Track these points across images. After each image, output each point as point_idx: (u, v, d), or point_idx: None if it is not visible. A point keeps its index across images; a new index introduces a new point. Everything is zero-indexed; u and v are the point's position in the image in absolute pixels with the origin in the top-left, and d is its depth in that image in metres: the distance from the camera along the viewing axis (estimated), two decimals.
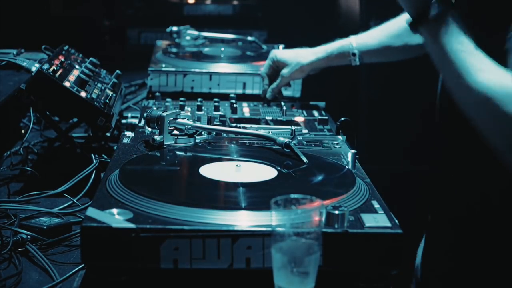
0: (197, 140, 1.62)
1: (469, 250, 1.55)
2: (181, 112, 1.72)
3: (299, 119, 1.90)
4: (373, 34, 2.06)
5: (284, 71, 2.06)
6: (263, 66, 2.16)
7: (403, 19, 2.09)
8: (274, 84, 2.09)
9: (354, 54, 2.02)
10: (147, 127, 1.69)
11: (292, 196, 1.08)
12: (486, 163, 1.66)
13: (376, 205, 1.26)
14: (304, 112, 1.99)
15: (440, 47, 1.34)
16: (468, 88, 1.29)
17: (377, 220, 1.19)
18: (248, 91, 2.21)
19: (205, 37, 2.81)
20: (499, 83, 1.26)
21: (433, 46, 1.36)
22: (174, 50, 2.61)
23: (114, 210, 1.18)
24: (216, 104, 1.97)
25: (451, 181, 1.63)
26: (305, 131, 1.78)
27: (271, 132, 1.71)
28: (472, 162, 1.64)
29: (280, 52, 2.12)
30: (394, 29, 2.02)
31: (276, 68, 2.11)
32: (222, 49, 2.62)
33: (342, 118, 1.76)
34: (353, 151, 1.51)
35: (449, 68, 1.34)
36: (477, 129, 1.32)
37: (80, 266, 1.31)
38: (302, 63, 2.05)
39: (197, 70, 2.22)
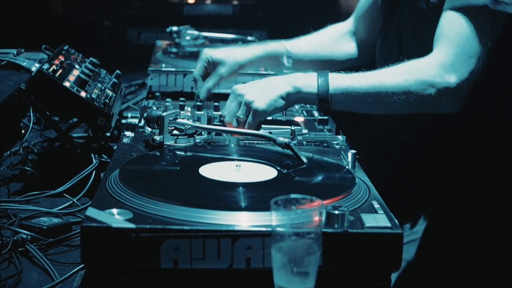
0: (197, 140, 1.62)
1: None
2: (181, 112, 1.72)
3: (299, 119, 1.89)
4: (303, 45, 2.13)
5: (222, 71, 2.00)
6: (196, 68, 2.07)
7: (333, 30, 2.21)
8: (211, 84, 2.00)
9: (288, 57, 2.08)
10: (147, 127, 1.69)
11: (292, 196, 1.07)
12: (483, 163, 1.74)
13: (376, 205, 1.26)
14: (304, 112, 1.98)
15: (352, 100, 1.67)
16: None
17: (377, 220, 1.18)
18: None
19: (205, 37, 2.81)
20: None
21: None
22: (174, 50, 2.61)
23: (114, 210, 1.18)
24: (216, 104, 1.97)
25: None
26: (305, 131, 1.78)
27: (271, 132, 1.71)
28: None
29: (214, 52, 2.05)
30: (322, 42, 2.13)
31: (210, 68, 2.04)
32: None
33: (342, 118, 1.76)
34: (353, 151, 1.50)
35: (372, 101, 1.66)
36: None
37: (80, 266, 1.31)
38: (240, 62, 2.01)
39: None
